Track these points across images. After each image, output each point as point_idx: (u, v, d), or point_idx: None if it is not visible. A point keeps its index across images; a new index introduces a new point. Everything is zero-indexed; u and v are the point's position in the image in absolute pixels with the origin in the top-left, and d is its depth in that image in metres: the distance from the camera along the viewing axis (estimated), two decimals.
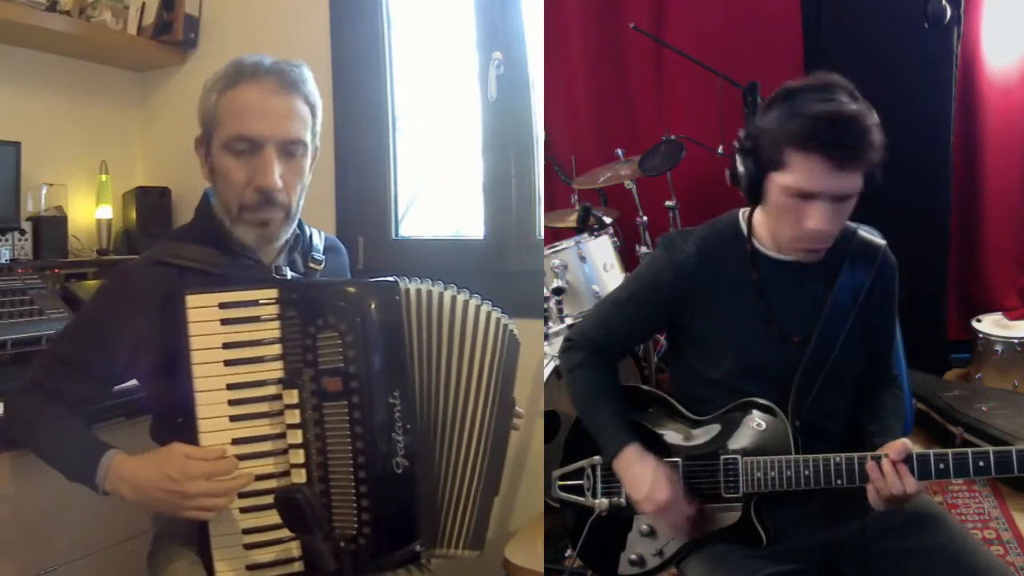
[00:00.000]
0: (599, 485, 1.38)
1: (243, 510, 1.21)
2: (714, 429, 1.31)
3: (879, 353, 1.38)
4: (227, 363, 1.21)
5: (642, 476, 1.28)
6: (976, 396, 2.52)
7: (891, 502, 1.16)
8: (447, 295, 1.33)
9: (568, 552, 1.93)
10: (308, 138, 1.33)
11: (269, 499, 1.17)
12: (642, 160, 2.71)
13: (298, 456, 1.21)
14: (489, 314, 1.36)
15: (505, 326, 1.37)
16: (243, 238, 1.31)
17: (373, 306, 1.26)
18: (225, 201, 1.31)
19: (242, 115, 1.26)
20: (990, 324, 2.79)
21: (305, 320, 1.23)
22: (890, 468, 1.14)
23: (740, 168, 1.25)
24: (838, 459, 1.19)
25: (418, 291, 1.32)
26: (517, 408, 1.47)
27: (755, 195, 1.25)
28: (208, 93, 1.30)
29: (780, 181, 1.19)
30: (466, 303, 1.35)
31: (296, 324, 1.23)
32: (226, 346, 1.21)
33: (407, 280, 1.32)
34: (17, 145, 2.19)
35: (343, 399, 1.22)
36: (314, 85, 1.34)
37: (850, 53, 2.63)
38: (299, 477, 1.22)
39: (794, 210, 1.19)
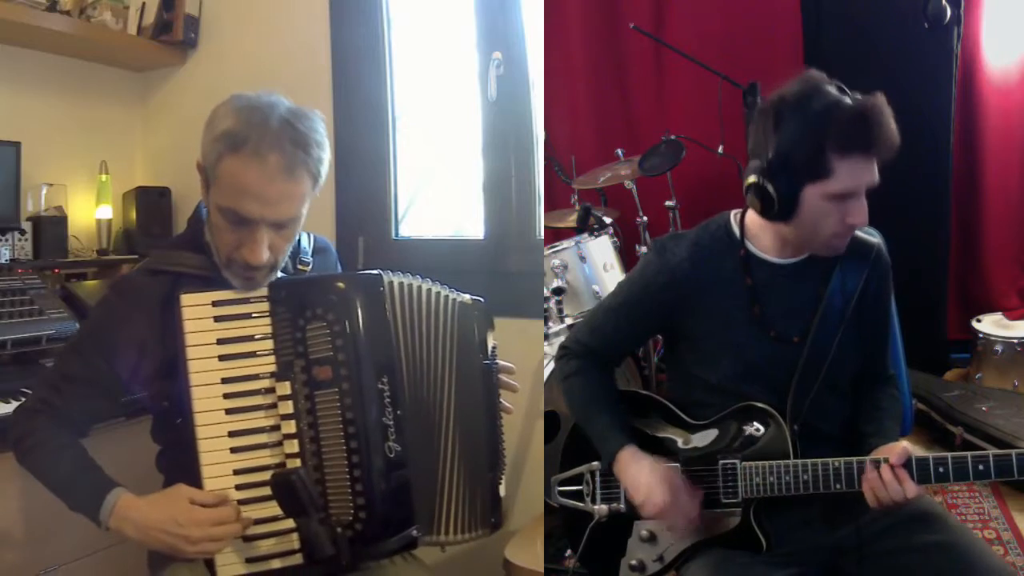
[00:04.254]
0: (598, 491, 1.38)
1: (241, 502, 1.23)
2: (713, 433, 1.31)
3: (875, 352, 1.38)
4: (221, 358, 1.25)
5: (639, 478, 1.28)
6: (976, 396, 2.51)
7: (888, 505, 1.16)
8: (424, 287, 1.38)
9: (568, 552, 1.93)
10: (305, 208, 1.29)
11: (267, 491, 1.20)
12: (642, 160, 2.71)
13: (292, 446, 1.24)
14: (447, 297, 1.40)
15: (454, 300, 1.40)
16: (230, 280, 1.29)
17: (359, 297, 1.30)
18: (215, 246, 1.29)
19: (238, 193, 1.21)
20: (990, 324, 2.78)
21: (294, 313, 1.27)
22: (890, 474, 1.14)
23: (771, 190, 1.20)
24: (837, 464, 1.19)
25: (400, 283, 1.36)
26: (509, 380, 1.47)
27: (789, 213, 1.21)
28: (212, 140, 1.22)
29: (824, 190, 1.17)
30: (438, 294, 1.39)
31: (286, 318, 1.27)
32: (220, 342, 1.25)
33: (390, 273, 1.36)
34: (17, 145, 2.19)
35: (334, 386, 1.26)
36: (323, 137, 1.27)
37: (850, 53, 2.63)
38: (294, 466, 1.24)
39: (835, 212, 1.19)
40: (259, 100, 1.24)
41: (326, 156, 1.28)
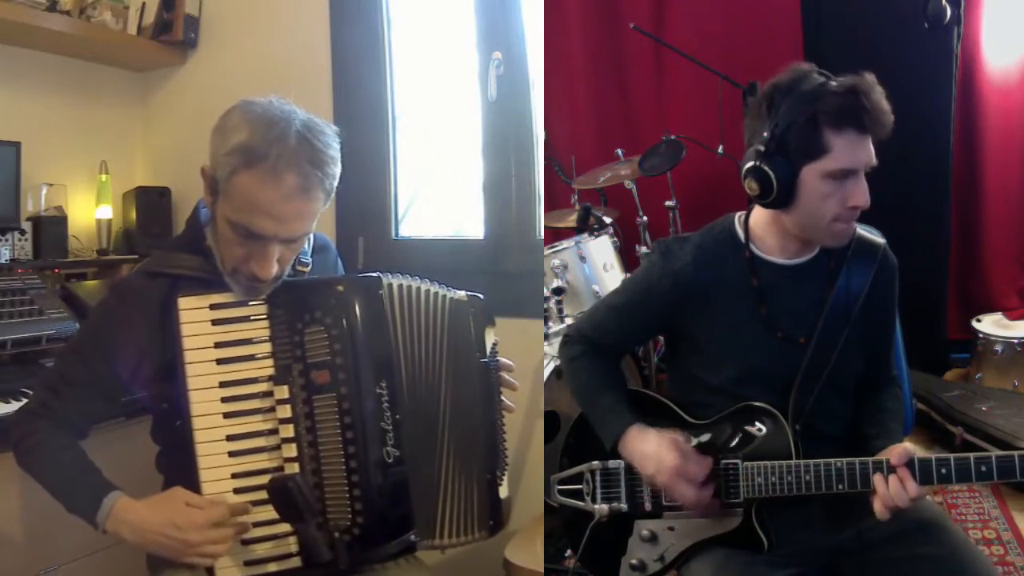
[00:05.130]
0: (599, 490, 1.38)
1: None
2: (714, 433, 1.31)
3: (879, 354, 1.38)
4: (219, 362, 1.24)
5: (647, 450, 1.27)
6: (976, 396, 2.52)
7: (891, 507, 1.15)
8: (423, 288, 1.37)
9: (568, 552, 1.93)
10: (315, 223, 1.27)
11: (265, 495, 1.19)
12: (642, 160, 2.71)
13: (290, 450, 1.24)
14: (444, 296, 1.39)
15: (450, 298, 1.40)
16: (233, 287, 1.27)
17: (357, 300, 1.30)
18: (220, 254, 1.27)
19: (251, 210, 1.17)
20: (990, 324, 2.78)
21: (292, 317, 1.26)
22: (896, 482, 1.14)
23: (770, 173, 1.20)
24: (839, 464, 1.19)
25: (400, 286, 1.35)
26: (508, 378, 1.46)
27: (789, 196, 1.21)
28: (224, 151, 1.18)
29: (822, 168, 1.17)
30: (436, 294, 1.39)
31: (284, 321, 1.26)
32: (218, 345, 1.24)
33: (389, 275, 1.35)
34: (17, 145, 2.19)
35: (331, 391, 1.25)
36: (337, 152, 1.23)
37: (850, 53, 2.63)
38: (292, 471, 1.24)
39: (834, 194, 1.19)
40: (273, 110, 1.20)
41: (339, 171, 1.25)
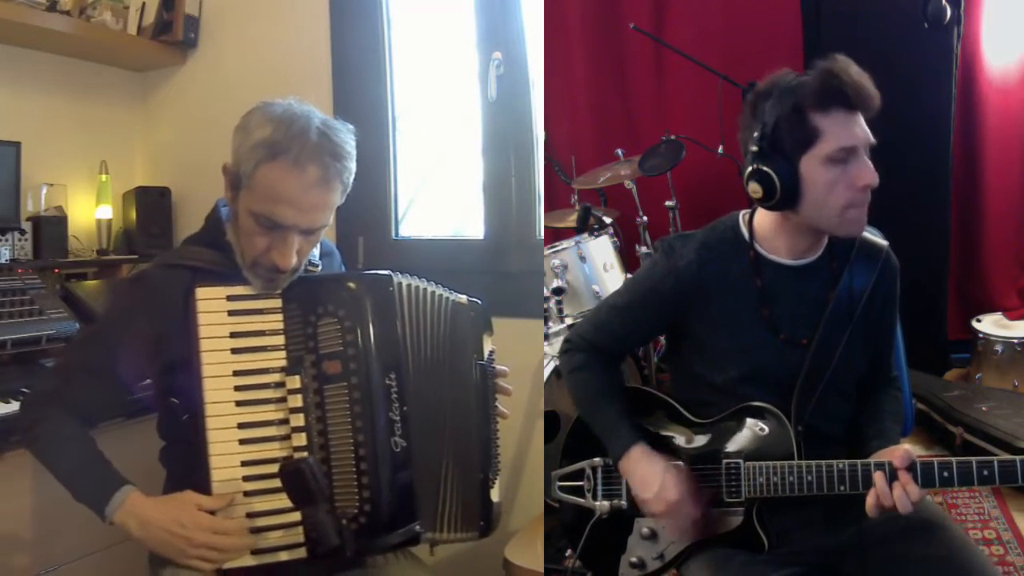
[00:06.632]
0: (599, 487, 1.38)
1: (247, 494, 1.24)
2: (716, 432, 1.31)
3: (880, 355, 1.38)
4: (234, 351, 1.27)
5: (650, 475, 1.28)
6: (976, 396, 2.52)
7: (889, 510, 1.15)
8: (428, 289, 1.41)
9: (568, 552, 1.93)
10: (332, 217, 1.32)
11: (274, 483, 1.21)
12: (642, 160, 2.71)
13: (300, 439, 1.26)
14: (447, 299, 1.43)
15: (453, 300, 1.44)
16: (252, 281, 1.30)
17: (369, 295, 1.33)
18: (240, 248, 1.31)
19: (273, 200, 1.23)
20: (990, 324, 2.78)
21: (306, 310, 1.30)
22: (900, 489, 1.13)
23: (769, 171, 1.19)
24: (841, 465, 1.19)
25: (408, 285, 1.39)
26: (503, 383, 1.49)
27: (794, 192, 1.19)
28: (248, 147, 1.24)
29: (820, 152, 1.17)
30: (440, 296, 1.43)
31: (297, 314, 1.30)
32: (233, 335, 1.27)
33: (398, 274, 1.38)
34: (17, 145, 2.19)
35: (342, 380, 1.28)
36: (353, 148, 1.30)
37: (850, 53, 2.58)
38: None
39: (840, 179, 1.17)
40: (294, 109, 1.26)
41: (355, 167, 1.31)
